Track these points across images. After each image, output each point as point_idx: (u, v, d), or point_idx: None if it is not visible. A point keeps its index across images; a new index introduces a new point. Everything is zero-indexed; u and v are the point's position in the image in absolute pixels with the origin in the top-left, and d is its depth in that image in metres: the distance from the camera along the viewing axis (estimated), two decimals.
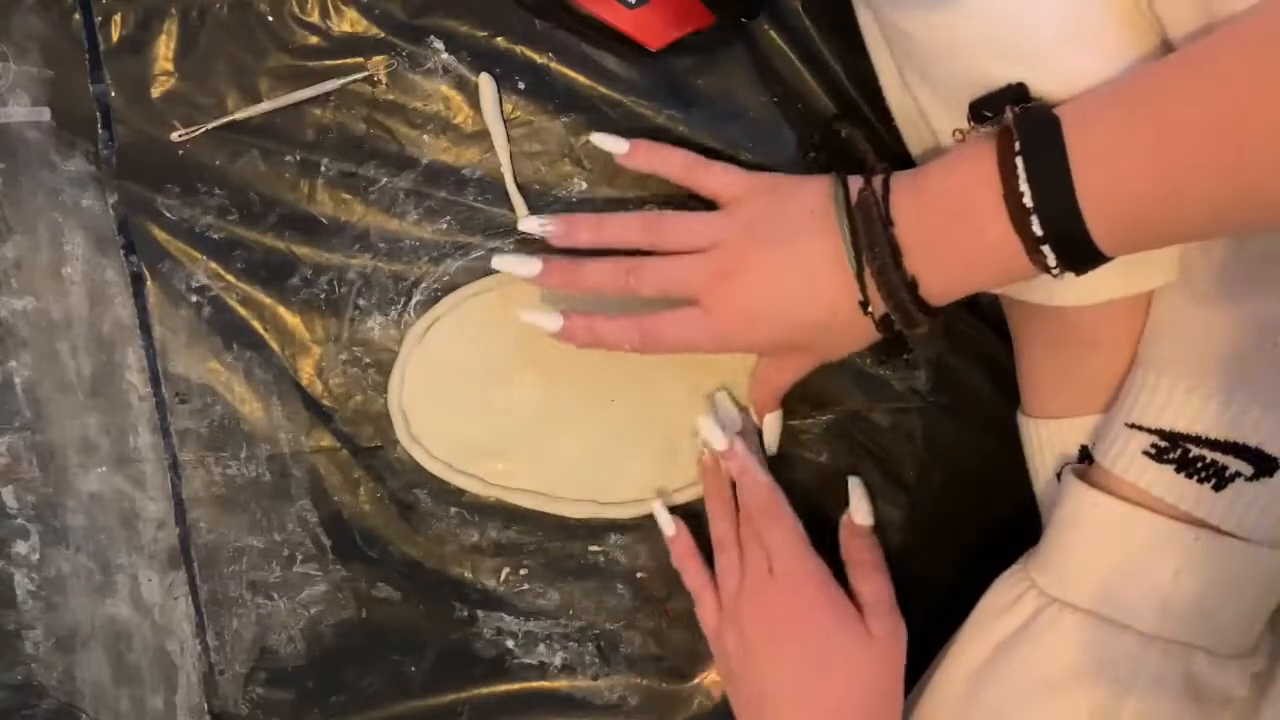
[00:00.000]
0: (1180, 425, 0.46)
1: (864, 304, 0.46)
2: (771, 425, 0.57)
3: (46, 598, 0.61)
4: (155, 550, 0.60)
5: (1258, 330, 0.45)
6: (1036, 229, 0.39)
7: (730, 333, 0.48)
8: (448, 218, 0.58)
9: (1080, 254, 0.40)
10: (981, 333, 0.59)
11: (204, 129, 0.56)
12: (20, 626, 0.61)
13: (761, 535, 0.54)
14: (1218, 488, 0.45)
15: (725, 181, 0.51)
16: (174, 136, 0.56)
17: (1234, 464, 0.45)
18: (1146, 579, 0.47)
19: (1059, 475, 0.52)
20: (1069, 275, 0.42)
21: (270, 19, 0.57)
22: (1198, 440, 0.45)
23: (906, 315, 0.45)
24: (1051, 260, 0.40)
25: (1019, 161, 0.39)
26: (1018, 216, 0.40)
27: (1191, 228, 0.39)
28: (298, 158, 0.58)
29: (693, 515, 0.59)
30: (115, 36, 0.56)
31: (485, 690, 0.61)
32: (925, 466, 0.59)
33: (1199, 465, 0.45)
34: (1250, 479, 0.45)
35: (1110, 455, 0.48)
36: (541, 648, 0.61)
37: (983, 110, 0.43)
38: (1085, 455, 0.51)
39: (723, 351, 0.54)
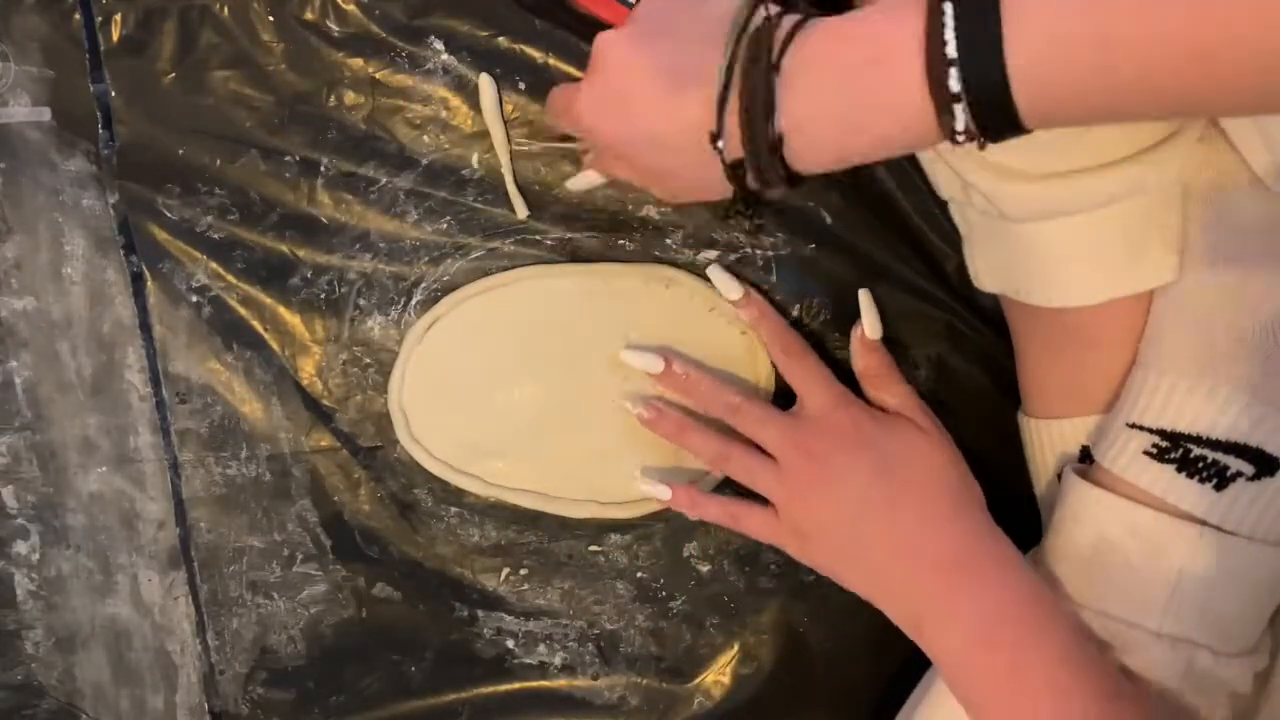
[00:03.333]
0: (1181, 425, 0.46)
1: (715, 136, 0.41)
2: None
3: (46, 598, 0.61)
4: (155, 550, 0.60)
5: (1259, 330, 0.45)
6: (954, 84, 0.35)
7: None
8: (448, 218, 0.58)
9: (997, 118, 0.36)
10: (981, 333, 0.59)
11: None
12: (20, 626, 0.61)
13: (792, 374, 0.55)
14: (1219, 487, 0.45)
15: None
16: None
17: (1235, 464, 0.45)
18: (1149, 577, 0.47)
19: (1060, 475, 0.52)
20: (1068, 273, 0.42)
21: (271, 19, 0.57)
22: (1199, 440, 0.45)
23: (760, 167, 0.41)
24: (960, 122, 0.36)
25: (947, 8, 0.35)
26: (935, 70, 0.36)
27: (1122, 104, 0.36)
28: (298, 158, 0.58)
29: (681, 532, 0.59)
30: (115, 36, 0.56)
31: (485, 690, 0.61)
32: None
33: (1200, 465, 0.45)
34: (1251, 479, 0.45)
35: (1111, 455, 0.48)
36: (541, 648, 0.61)
37: None
38: (1086, 455, 0.51)
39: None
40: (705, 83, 0.40)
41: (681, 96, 0.42)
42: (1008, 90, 0.35)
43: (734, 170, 0.42)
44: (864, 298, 0.57)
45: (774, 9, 0.41)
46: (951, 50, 0.35)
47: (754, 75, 0.39)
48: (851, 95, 0.38)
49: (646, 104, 0.43)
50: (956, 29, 0.35)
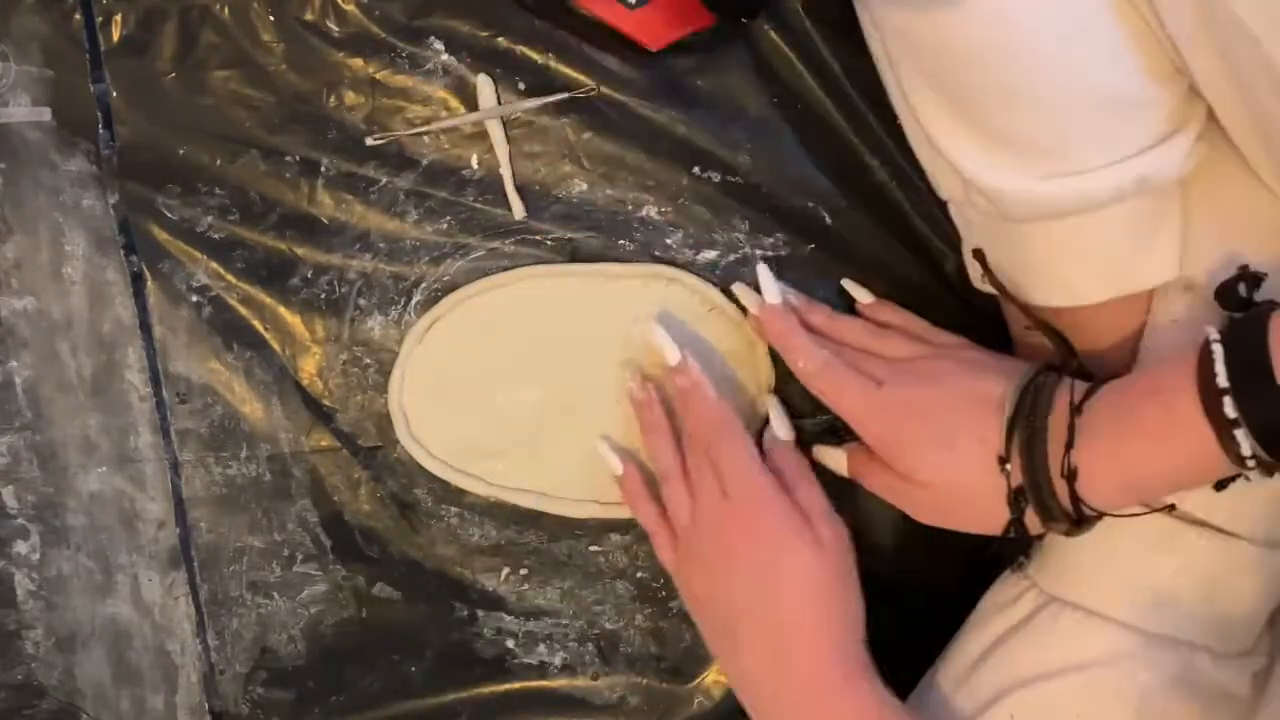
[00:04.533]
0: None
1: (1003, 460, 0.45)
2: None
3: (46, 598, 0.61)
4: (155, 550, 0.60)
5: None
6: (1229, 410, 0.38)
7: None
8: (448, 218, 0.58)
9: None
10: (981, 333, 0.59)
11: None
12: (20, 626, 0.61)
13: (714, 455, 0.52)
14: (1218, 487, 0.45)
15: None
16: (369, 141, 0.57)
17: None
18: (1147, 578, 0.47)
19: None
20: (1069, 273, 0.42)
21: (271, 19, 0.57)
22: None
23: (1042, 497, 0.44)
24: (1245, 447, 0.38)
25: (1216, 349, 0.39)
26: (1209, 397, 0.38)
27: None
28: (298, 158, 0.58)
29: None
30: (115, 36, 0.56)
31: (485, 690, 0.61)
32: None
33: None
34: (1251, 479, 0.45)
35: None
36: (541, 648, 0.61)
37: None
38: None
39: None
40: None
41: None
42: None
43: (1014, 498, 0.45)
44: (772, 403, 0.56)
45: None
46: (1222, 380, 0.38)
47: (1037, 409, 0.44)
48: (1133, 427, 0.42)
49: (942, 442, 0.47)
50: (1226, 359, 0.38)
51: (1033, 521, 0.45)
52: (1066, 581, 0.49)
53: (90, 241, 0.58)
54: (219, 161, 0.58)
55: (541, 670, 0.61)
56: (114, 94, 0.57)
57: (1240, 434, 0.38)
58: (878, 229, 0.58)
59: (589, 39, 0.57)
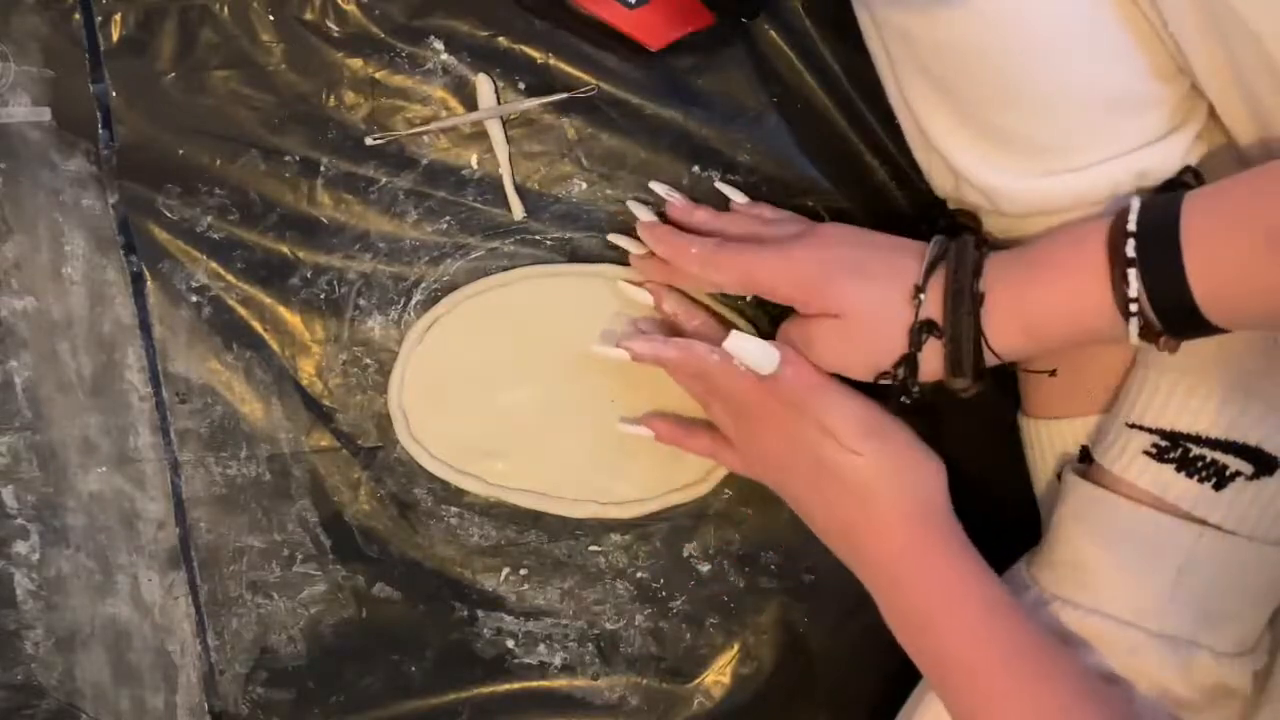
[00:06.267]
0: (1181, 425, 0.46)
1: (918, 290, 0.45)
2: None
3: (46, 598, 0.61)
4: (155, 550, 0.60)
5: (1258, 330, 0.45)
6: (1132, 291, 0.40)
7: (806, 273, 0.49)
8: (447, 218, 0.58)
9: (1179, 328, 0.40)
10: None
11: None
12: (20, 626, 0.61)
13: (721, 395, 0.53)
14: (1218, 487, 0.45)
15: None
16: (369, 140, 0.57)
17: (1234, 463, 0.45)
18: (1149, 577, 0.47)
19: (1059, 475, 0.52)
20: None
21: (271, 19, 0.57)
22: (1198, 440, 0.45)
23: (957, 339, 0.45)
24: (1134, 289, 0.40)
25: (1131, 213, 0.40)
26: (1115, 276, 0.40)
27: None
28: (298, 158, 0.58)
29: (681, 532, 0.59)
30: (115, 36, 0.56)
31: (485, 690, 0.61)
32: None
33: (1199, 464, 0.45)
34: (1251, 478, 0.45)
35: (1110, 455, 0.48)
36: (541, 648, 0.61)
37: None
38: (1086, 455, 0.51)
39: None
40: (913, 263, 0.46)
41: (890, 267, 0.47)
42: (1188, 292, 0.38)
43: (919, 329, 0.45)
44: (735, 342, 0.51)
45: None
46: (1131, 224, 0.40)
47: (963, 253, 0.45)
48: (1037, 293, 0.43)
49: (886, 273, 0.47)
50: (1140, 211, 0.40)
51: (929, 363, 0.46)
52: (1068, 581, 0.49)
53: (90, 241, 0.58)
54: (219, 161, 0.58)
55: (541, 670, 0.61)
56: (114, 94, 0.57)
57: (1132, 274, 0.39)
58: (877, 229, 0.58)
59: (589, 39, 0.57)
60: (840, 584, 0.59)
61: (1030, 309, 0.43)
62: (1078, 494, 0.49)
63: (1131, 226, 0.39)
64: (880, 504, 0.48)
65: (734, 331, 0.50)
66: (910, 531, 0.48)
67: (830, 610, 0.60)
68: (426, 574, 0.60)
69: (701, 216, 0.54)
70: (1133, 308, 0.40)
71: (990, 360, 0.45)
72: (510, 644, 0.61)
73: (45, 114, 0.57)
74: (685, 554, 0.60)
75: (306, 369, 0.59)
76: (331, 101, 0.57)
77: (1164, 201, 0.39)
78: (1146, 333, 0.40)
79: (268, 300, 0.59)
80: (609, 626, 0.61)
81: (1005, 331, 0.44)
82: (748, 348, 0.49)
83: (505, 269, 0.58)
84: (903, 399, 0.48)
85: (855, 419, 0.49)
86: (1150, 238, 0.39)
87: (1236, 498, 0.45)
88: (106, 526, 0.60)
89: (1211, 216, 0.38)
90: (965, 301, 0.44)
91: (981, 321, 0.44)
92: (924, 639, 0.47)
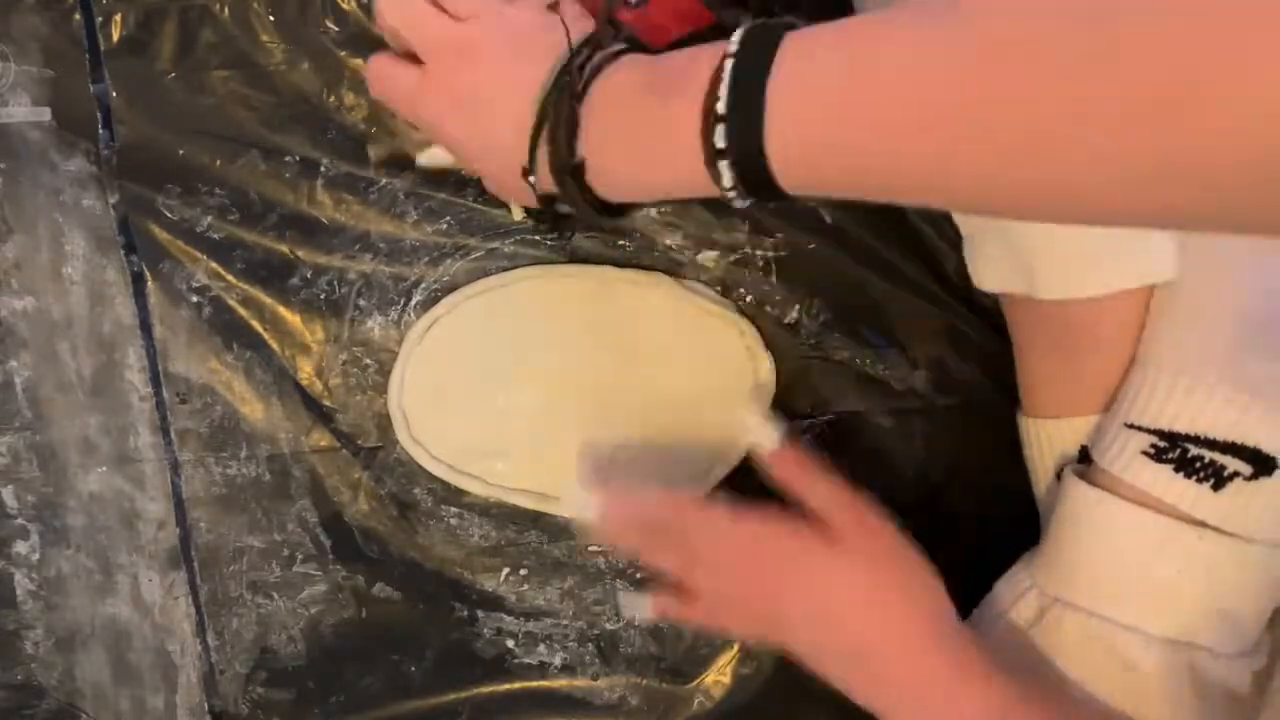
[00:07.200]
0: (1179, 425, 0.46)
1: (526, 171, 0.43)
2: None
3: (46, 598, 0.61)
4: (155, 550, 0.60)
5: (1257, 330, 0.45)
6: (719, 141, 0.36)
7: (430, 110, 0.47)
8: (447, 218, 0.58)
9: (758, 185, 0.37)
10: (981, 333, 0.59)
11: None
12: (20, 626, 0.61)
13: (692, 543, 0.48)
14: (1216, 487, 0.45)
15: None
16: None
17: (1233, 464, 0.45)
18: (1148, 578, 0.47)
19: (1059, 475, 0.52)
20: (1066, 268, 0.42)
21: (271, 19, 0.57)
22: (1196, 440, 0.45)
23: (567, 194, 0.42)
24: (728, 179, 0.37)
25: (726, 66, 0.36)
26: (707, 125, 0.37)
27: (872, 189, 0.36)
28: (298, 158, 0.58)
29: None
30: (115, 36, 0.56)
31: (485, 690, 0.61)
32: (925, 467, 0.59)
33: (1198, 465, 0.45)
34: (1249, 478, 0.45)
35: (1109, 456, 0.48)
36: (541, 648, 0.61)
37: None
38: (1085, 456, 0.51)
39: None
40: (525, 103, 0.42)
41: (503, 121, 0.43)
42: (766, 163, 0.35)
43: (547, 201, 0.44)
44: (748, 419, 0.51)
45: (600, 53, 0.42)
46: (721, 106, 0.36)
47: (562, 105, 0.41)
48: (637, 132, 0.40)
49: (501, 126, 0.44)
50: (731, 85, 0.36)
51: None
52: (1067, 583, 0.49)
53: (90, 241, 0.58)
54: (219, 161, 0.58)
55: (541, 670, 0.61)
56: (114, 94, 0.57)
57: (724, 166, 0.36)
58: (878, 229, 0.58)
59: None
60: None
61: (635, 176, 0.41)
62: (1077, 495, 0.49)
63: (721, 108, 0.36)
64: (872, 617, 0.45)
65: (747, 413, 0.52)
66: (915, 651, 0.45)
67: None
68: (426, 574, 0.60)
69: None
70: (730, 193, 0.37)
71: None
72: (510, 644, 0.61)
73: (45, 114, 0.57)
74: None
75: (306, 369, 0.59)
76: (331, 101, 0.57)
77: (756, 57, 0.36)
78: (748, 198, 0.38)
79: (268, 300, 0.59)
80: (609, 626, 0.61)
81: (617, 189, 0.42)
82: (761, 421, 0.49)
83: (505, 269, 0.58)
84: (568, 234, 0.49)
85: (846, 502, 0.47)
86: (738, 114, 0.35)
87: (1235, 498, 0.45)
88: (106, 526, 0.60)
89: (802, 60, 0.35)
90: (568, 181, 0.42)
91: (589, 183, 0.42)
92: None
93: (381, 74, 0.47)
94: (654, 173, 0.40)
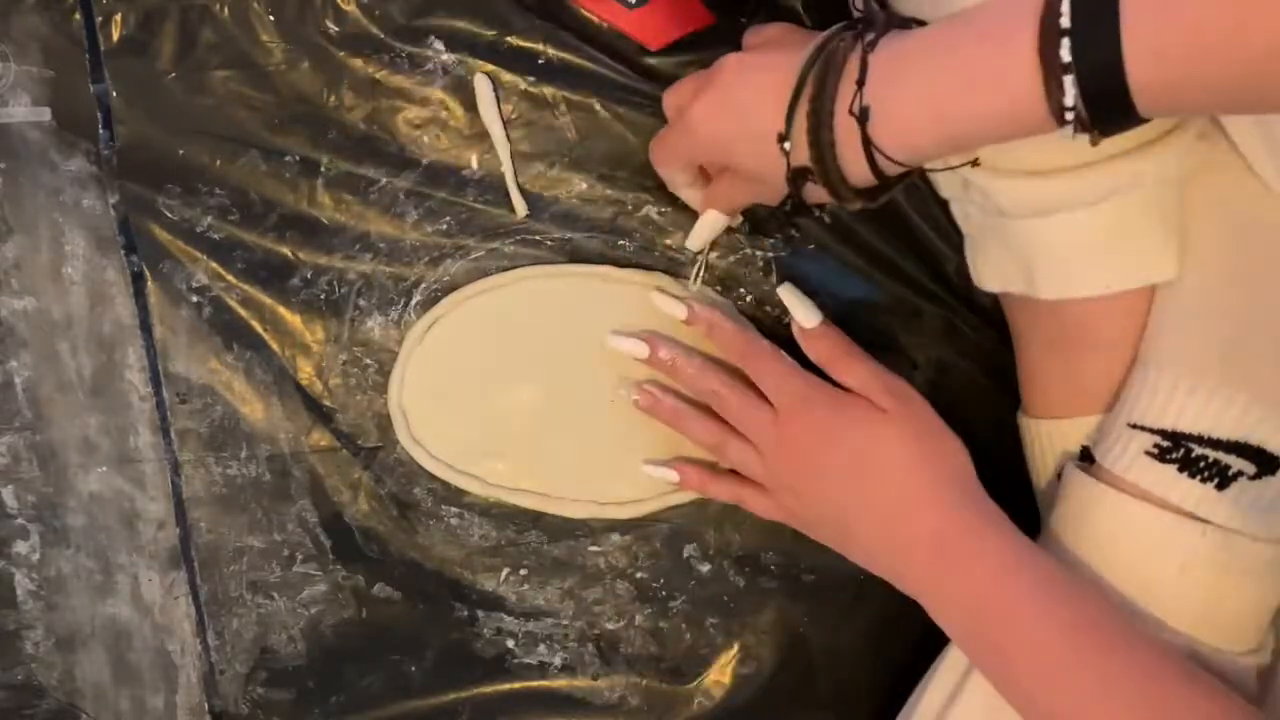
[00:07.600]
0: (1183, 425, 0.46)
1: (782, 137, 0.43)
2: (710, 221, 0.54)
3: (46, 598, 0.61)
4: (155, 550, 0.60)
5: (1260, 329, 0.45)
6: (1065, 54, 0.34)
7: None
8: (447, 218, 0.58)
9: (1107, 106, 0.35)
10: (981, 333, 0.59)
11: None
12: (20, 626, 0.61)
13: (752, 375, 0.54)
14: (1220, 487, 0.45)
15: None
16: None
17: (1236, 463, 0.45)
18: (1151, 576, 0.47)
19: (1060, 475, 0.52)
20: (1067, 268, 0.41)
21: (271, 19, 0.57)
22: (1200, 440, 0.45)
23: (823, 165, 0.42)
24: (1070, 97, 0.35)
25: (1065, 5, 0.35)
26: (1047, 38, 0.35)
27: (1241, 91, 0.34)
28: (298, 158, 0.58)
29: (681, 533, 0.59)
30: (115, 36, 0.56)
31: (485, 690, 0.61)
32: None
33: (1201, 465, 0.45)
34: (1253, 478, 0.45)
35: (1112, 456, 0.48)
36: (541, 648, 0.61)
37: None
38: (1086, 455, 0.51)
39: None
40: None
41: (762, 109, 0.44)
42: (1121, 65, 0.34)
43: (794, 177, 0.44)
44: (785, 293, 0.55)
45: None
46: (1066, 20, 0.34)
47: (827, 77, 0.42)
48: (948, 69, 0.39)
49: (759, 107, 0.45)
50: (1072, 13, 0.34)
51: (817, 192, 0.45)
52: None
53: (90, 241, 0.58)
54: (219, 161, 0.58)
55: (541, 670, 0.61)
56: (114, 94, 0.57)
57: (1069, 81, 0.35)
58: (878, 229, 0.58)
59: (589, 38, 0.57)
60: (840, 584, 0.60)
61: (942, 113, 0.39)
62: (1078, 493, 0.49)
63: (1065, 23, 0.35)
64: (913, 473, 0.49)
65: (786, 283, 0.55)
66: (946, 505, 0.49)
67: (830, 610, 0.60)
68: (426, 574, 0.60)
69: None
70: (1068, 115, 0.36)
71: (892, 169, 0.42)
72: (510, 644, 0.61)
73: (45, 114, 0.57)
74: (685, 554, 0.60)
75: (306, 369, 0.59)
76: (331, 101, 0.57)
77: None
78: (1083, 127, 0.37)
79: (268, 300, 0.59)
80: (609, 626, 0.61)
81: (906, 134, 0.41)
82: (799, 298, 0.54)
83: (505, 269, 0.58)
84: (793, 231, 0.51)
85: (883, 379, 0.51)
86: (1086, 29, 0.34)
87: (1239, 498, 0.45)
88: (106, 526, 0.60)
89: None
90: (826, 148, 0.42)
91: (870, 133, 0.41)
92: (977, 624, 0.46)
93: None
94: (968, 101, 0.38)
